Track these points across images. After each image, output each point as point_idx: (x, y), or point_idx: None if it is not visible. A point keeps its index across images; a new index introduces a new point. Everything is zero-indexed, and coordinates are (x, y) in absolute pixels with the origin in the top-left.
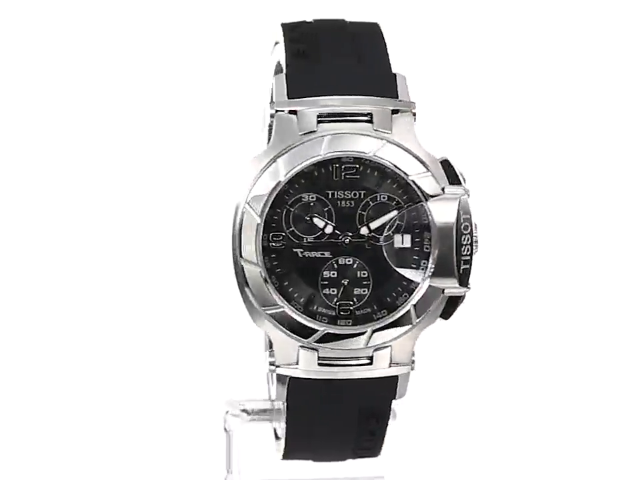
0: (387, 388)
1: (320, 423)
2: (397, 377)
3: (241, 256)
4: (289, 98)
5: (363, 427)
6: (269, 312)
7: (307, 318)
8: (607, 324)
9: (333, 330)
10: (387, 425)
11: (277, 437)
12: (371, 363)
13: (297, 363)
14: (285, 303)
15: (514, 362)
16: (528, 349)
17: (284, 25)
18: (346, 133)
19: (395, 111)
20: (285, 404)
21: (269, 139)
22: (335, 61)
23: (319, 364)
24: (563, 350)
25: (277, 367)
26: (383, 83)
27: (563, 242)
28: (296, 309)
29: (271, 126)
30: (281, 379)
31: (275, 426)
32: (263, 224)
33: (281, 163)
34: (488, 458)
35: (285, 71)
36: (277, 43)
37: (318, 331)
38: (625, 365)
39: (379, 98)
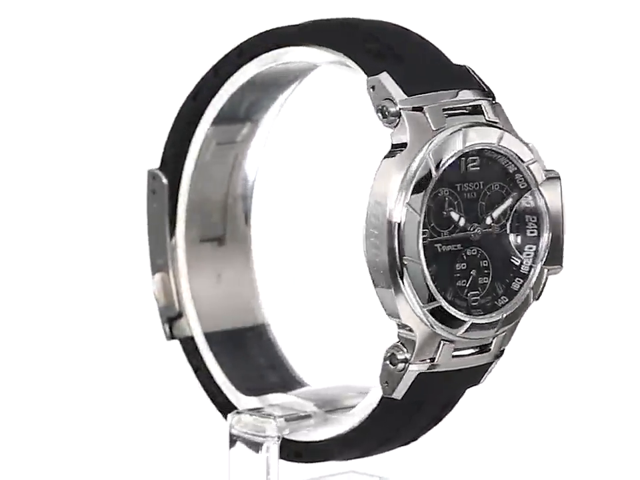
0: (480, 373)
1: (412, 416)
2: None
3: (404, 254)
4: (408, 96)
5: (439, 414)
6: (427, 308)
7: (456, 311)
8: None
9: (475, 320)
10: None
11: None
12: (488, 350)
13: (434, 358)
14: (440, 297)
15: (514, 360)
16: (528, 347)
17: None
18: (472, 125)
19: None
20: (386, 400)
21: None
22: (415, 59)
23: (453, 356)
24: (560, 350)
25: (410, 363)
26: (466, 75)
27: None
28: (448, 303)
29: (391, 123)
30: (408, 375)
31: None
32: (422, 221)
33: (428, 160)
34: (480, 456)
35: (366, 71)
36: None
37: (465, 322)
38: None
39: (479, 90)
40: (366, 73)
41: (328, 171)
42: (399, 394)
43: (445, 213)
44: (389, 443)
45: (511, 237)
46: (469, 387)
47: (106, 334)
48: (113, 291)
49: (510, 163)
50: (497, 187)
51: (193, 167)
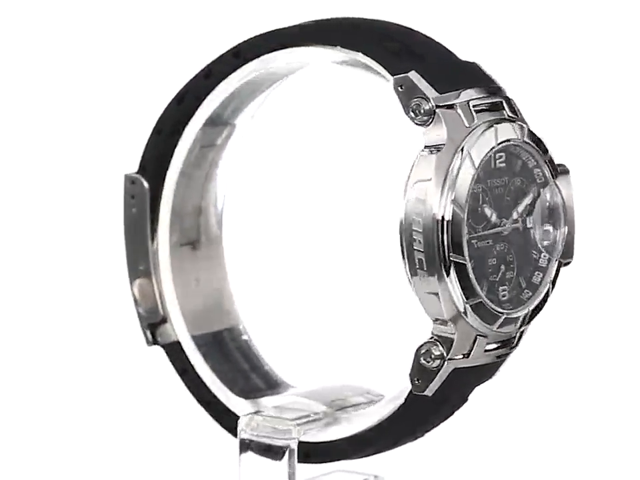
0: (496, 367)
1: (433, 413)
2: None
3: (451, 252)
4: (440, 93)
5: (453, 410)
6: (470, 303)
7: (493, 306)
8: None
9: (508, 314)
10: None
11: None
12: (511, 344)
13: (468, 353)
14: (481, 293)
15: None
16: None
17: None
18: (499, 121)
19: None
20: (413, 398)
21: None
22: (433, 57)
23: (485, 350)
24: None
25: (447, 359)
26: (480, 72)
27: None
28: (487, 298)
29: (424, 122)
30: (444, 371)
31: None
32: (466, 218)
33: (467, 157)
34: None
35: (390, 70)
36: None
37: (500, 317)
38: None
39: (494, 86)
40: (390, 72)
41: (302, 175)
42: (431, 391)
43: (479, 209)
44: (403, 440)
45: (531, 231)
46: (485, 382)
47: (80, 341)
48: (84, 298)
49: (531, 157)
50: (518, 182)
51: (178, 170)
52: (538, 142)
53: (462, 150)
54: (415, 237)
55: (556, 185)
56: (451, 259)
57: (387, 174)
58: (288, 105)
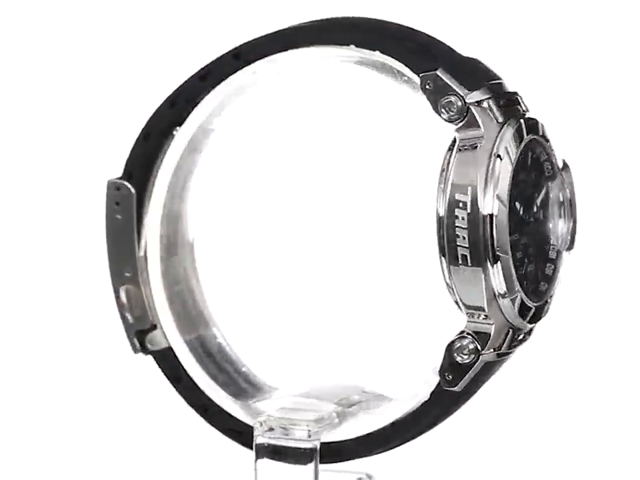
0: (503, 361)
1: (454, 408)
2: None
3: (496, 246)
4: (469, 90)
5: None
6: (510, 297)
7: (526, 299)
8: None
9: (536, 307)
10: None
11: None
12: (528, 336)
13: (500, 346)
14: (518, 287)
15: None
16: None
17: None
18: (522, 116)
19: None
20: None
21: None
22: (445, 56)
23: (511, 343)
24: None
25: (482, 354)
26: (486, 68)
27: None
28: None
29: (456, 119)
30: (477, 366)
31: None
32: (508, 214)
33: (505, 153)
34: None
35: (414, 69)
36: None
37: (531, 310)
38: None
39: (502, 82)
40: (414, 71)
41: (279, 177)
42: (461, 386)
43: (512, 203)
44: (418, 435)
45: (544, 224)
46: (493, 374)
47: (60, 350)
48: (62, 306)
49: (543, 151)
50: (532, 175)
51: (170, 174)
52: (547, 136)
53: (499, 146)
54: (458, 233)
55: (562, 177)
56: (497, 253)
57: (364, 174)
58: (263, 111)
